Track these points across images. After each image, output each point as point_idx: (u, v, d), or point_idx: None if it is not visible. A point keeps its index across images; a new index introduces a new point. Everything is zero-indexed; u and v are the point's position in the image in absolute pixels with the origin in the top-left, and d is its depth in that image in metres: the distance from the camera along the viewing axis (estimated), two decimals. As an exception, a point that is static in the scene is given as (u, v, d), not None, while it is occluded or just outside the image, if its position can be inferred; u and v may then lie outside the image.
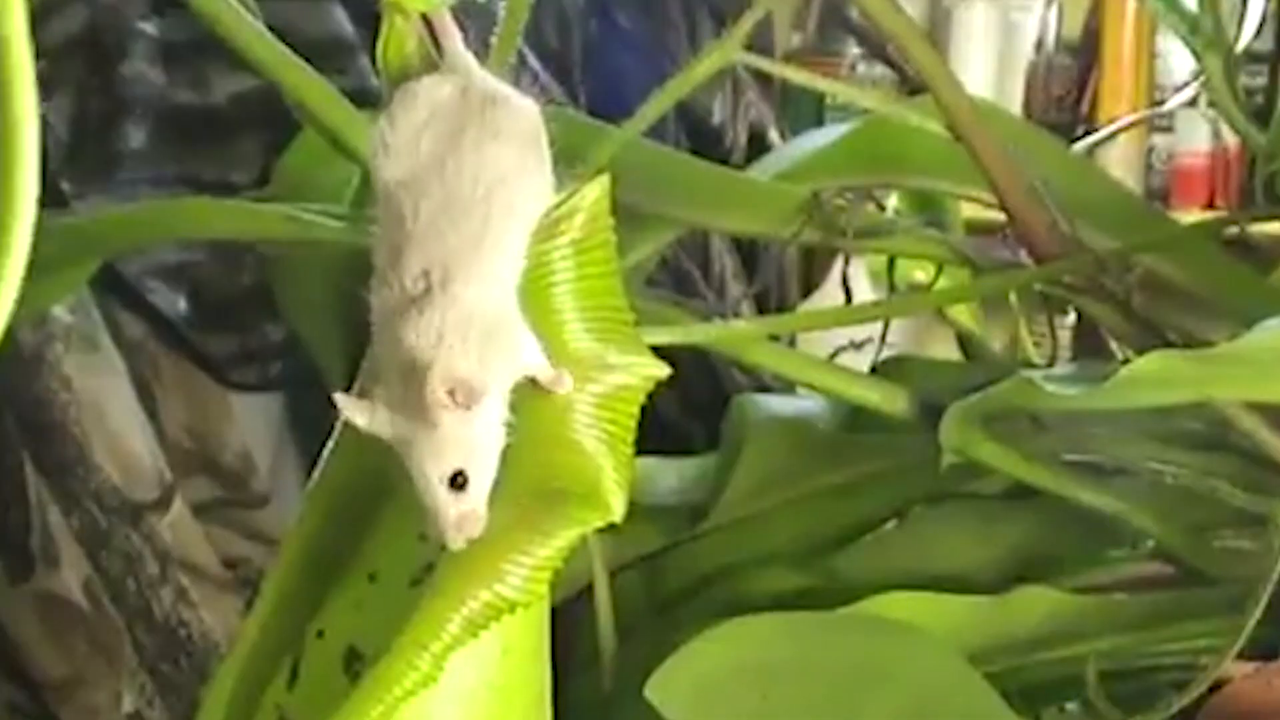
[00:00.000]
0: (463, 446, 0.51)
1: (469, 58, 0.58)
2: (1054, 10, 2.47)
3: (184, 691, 1.07)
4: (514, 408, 0.53)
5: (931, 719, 0.73)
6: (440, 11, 0.58)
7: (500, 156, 0.54)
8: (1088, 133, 2.00)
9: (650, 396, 0.56)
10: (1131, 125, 2.24)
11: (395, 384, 0.52)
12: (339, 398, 0.53)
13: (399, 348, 0.52)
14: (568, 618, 0.69)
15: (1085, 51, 2.45)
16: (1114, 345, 0.93)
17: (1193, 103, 2.01)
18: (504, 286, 0.53)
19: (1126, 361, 0.75)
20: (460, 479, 0.51)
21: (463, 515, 0.51)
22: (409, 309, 0.52)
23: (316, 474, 0.61)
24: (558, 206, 0.56)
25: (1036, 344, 1.07)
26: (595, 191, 0.56)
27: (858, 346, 1.06)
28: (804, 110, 2.05)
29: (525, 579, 0.51)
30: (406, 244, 0.53)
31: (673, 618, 0.87)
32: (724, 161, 1.26)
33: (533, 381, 0.54)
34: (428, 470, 0.51)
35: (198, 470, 1.11)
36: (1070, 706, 0.85)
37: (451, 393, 0.50)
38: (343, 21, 1.12)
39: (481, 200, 0.53)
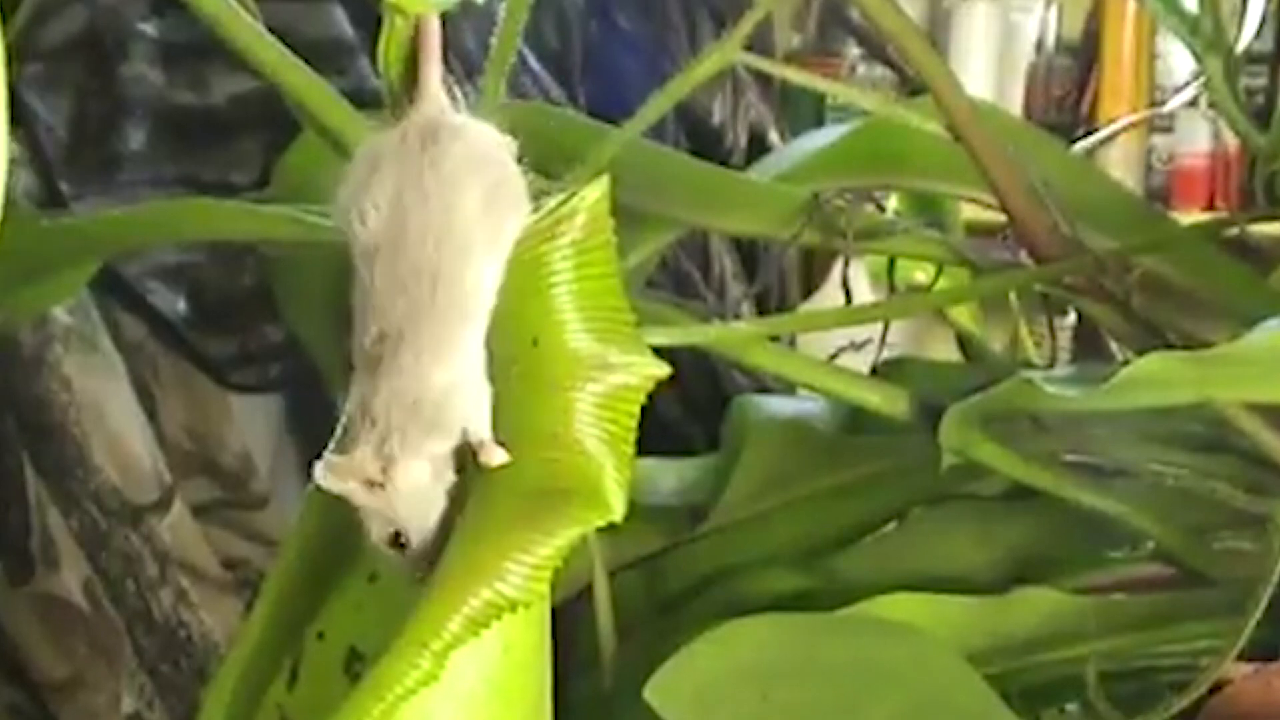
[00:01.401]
0: (392, 516, 0.52)
1: (431, 92, 0.56)
2: (1054, 11, 2.46)
3: (184, 692, 1.07)
4: (515, 407, 0.53)
5: (931, 720, 0.73)
6: (428, 31, 0.57)
7: (446, 202, 0.53)
8: (1088, 133, 2.00)
9: (650, 397, 0.56)
10: (1132, 126, 2.24)
11: (345, 440, 0.52)
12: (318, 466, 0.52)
13: (353, 408, 0.52)
14: (568, 617, 0.69)
15: (1085, 52, 2.45)
16: (1114, 346, 0.93)
17: (1193, 103, 2.01)
18: (460, 349, 0.53)
19: (1126, 362, 0.75)
20: (400, 538, 0.52)
21: (413, 563, 0.52)
22: (367, 371, 0.52)
23: (316, 475, 0.61)
24: (557, 208, 0.55)
25: (1036, 345, 1.07)
26: (595, 192, 0.56)
27: (858, 347, 1.05)
28: (804, 111, 2.04)
29: (526, 578, 0.51)
30: (367, 304, 0.52)
31: (673, 618, 0.87)
32: (724, 162, 1.26)
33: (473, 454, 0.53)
34: (370, 526, 0.52)
35: (197, 471, 1.11)
36: (1070, 707, 0.85)
37: (370, 484, 0.51)
38: (342, 22, 1.12)
39: (431, 255, 0.52)
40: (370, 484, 0.51)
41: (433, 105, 0.55)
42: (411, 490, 0.52)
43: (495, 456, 0.53)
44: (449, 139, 0.54)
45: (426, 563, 0.52)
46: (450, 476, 0.52)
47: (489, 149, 0.54)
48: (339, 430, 0.53)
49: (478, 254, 0.53)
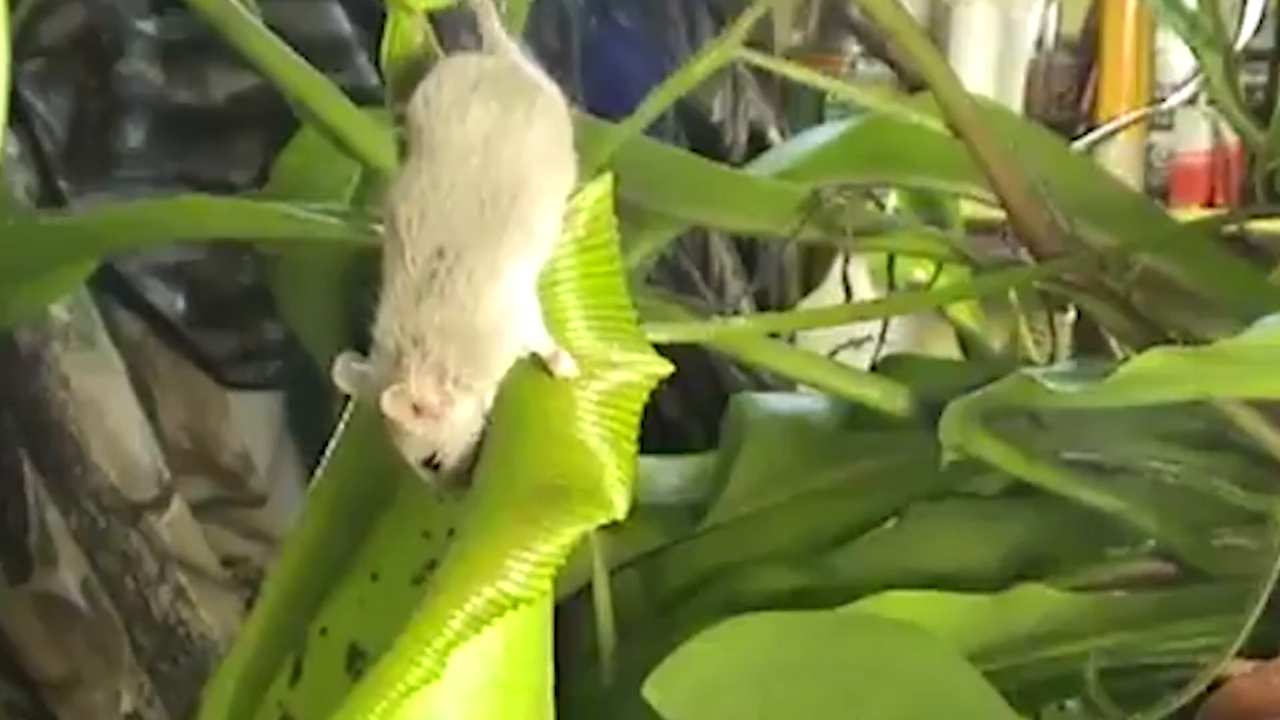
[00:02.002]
0: (431, 441, 0.53)
1: (511, 43, 0.58)
2: (1054, 8, 2.47)
3: (182, 690, 1.07)
4: (519, 404, 0.53)
5: (932, 718, 0.73)
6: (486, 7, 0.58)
7: (542, 140, 0.54)
8: (1088, 131, 2.00)
9: (650, 395, 0.56)
10: (1131, 123, 2.24)
11: (382, 363, 0.53)
12: (338, 361, 0.54)
13: (390, 329, 0.52)
14: (568, 615, 0.69)
15: (1085, 49, 2.45)
16: (1114, 343, 0.93)
17: (1193, 101, 2.01)
18: (520, 271, 0.53)
19: (1126, 359, 0.75)
20: (434, 460, 0.53)
21: (444, 484, 0.54)
22: (413, 291, 0.52)
23: (319, 473, 0.61)
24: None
25: (1036, 342, 1.07)
26: (598, 190, 0.56)
27: (857, 345, 1.06)
28: (804, 108, 2.04)
29: (528, 575, 0.51)
30: (430, 212, 0.53)
31: (672, 616, 0.87)
32: (724, 160, 1.26)
33: (535, 359, 0.54)
34: (404, 451, 0.53)
35: (196, 469, 1.11)
36: (1070, 704, 0.85)
37: (416, 410, 0.52)
38: (341, 20, 1.12)
39: (516, 182, 0.53)
40: (423, 412, 0.52)
41: (524, 59, 0.57)
42: (461, 421, 0.53)
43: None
44: (551, 95, 0.55)
45: (457, 484, 0.54)
46: (490, 403, 0.53)
47: (569, 121, 0.56)
48: (374, 347, 0.53)
49: (549, 198, 0.54)
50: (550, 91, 0.56)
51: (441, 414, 0.52)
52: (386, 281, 0.53)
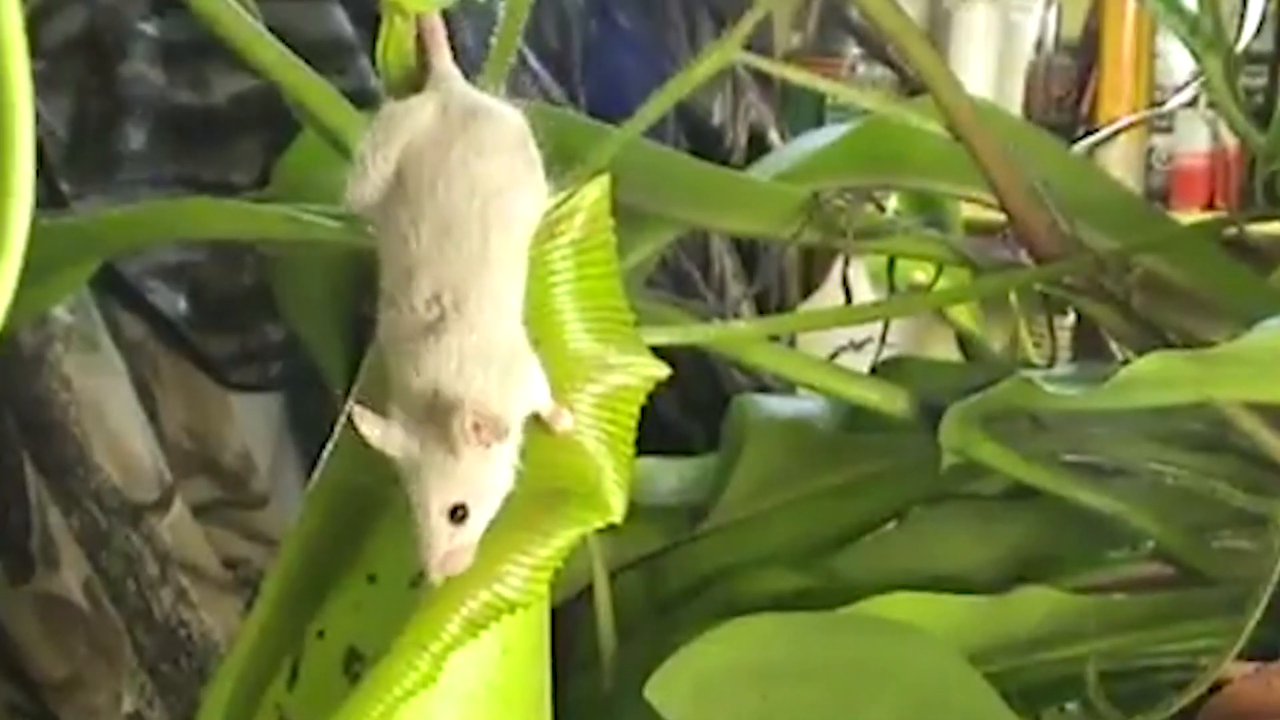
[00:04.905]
0: (472, 482, 0.51)
1: (453, 73, 0.57)
2: (1054, 11, 2.47)
3: (184, 692, 1.07)
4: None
5: (931, 719, 0.73)
6: (432, 23, 0.58)
7: (489, 170, 0.54)
8: (1088, 133, 2.00)
9: (650, 397, 0.56)
10: (1131, 126, 2.24)
11: (413, 408, 0.51)
12: (356, 409, 0.52)
13: (417, 374, 0.51)
14: (568, 618, 0.69)
15: (1085, 52, 2.45)
16: (1114, 346, 0.93)
17: (1192, 103, 2.01)
18: (512, 305, 0.53)
19: (1126, 362, 0.75)
20: (461, 512, 0.51)
21: (453, 550, 0.51)
22: (425, 335, 0.52)
23: (316, 474, 0.61)
24: (557, 207, 0.56)
25: (1036, 344, 1.07)
26: (595, 192, 0.56)
27: (858, 347, 1.06)
28: (804, 111, 2.05)
29: (525, 579, 0.51)
30: (414, 267, 0.52)
31: (673, 618, 0.87)
32: (724, 162, 1.26)
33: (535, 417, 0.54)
34: (430, 498, 0.51)
35: (198, 471, 1.11)
36: (1070, 707, 0.85)
37: (477, 428, 0.50)
38: (342, 22, 1.12)
39: (478, 217, 0.53)
40: (480, 438, 0.50)
41: (460, 84, 0.57)
42: (504, 452, 0.51)
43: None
44: (490, 120, 0.55)
45: (464, 553, 0.51)
46: (516, 459, 0.52)
47: (524, 136, 0.56)
48: (398, 401, 0.52)
49: (517, 224, 0.54)
50: (496, 117, 0.55)
51: (505, 431, 0.51)
52: (390, 341, 0.53)
